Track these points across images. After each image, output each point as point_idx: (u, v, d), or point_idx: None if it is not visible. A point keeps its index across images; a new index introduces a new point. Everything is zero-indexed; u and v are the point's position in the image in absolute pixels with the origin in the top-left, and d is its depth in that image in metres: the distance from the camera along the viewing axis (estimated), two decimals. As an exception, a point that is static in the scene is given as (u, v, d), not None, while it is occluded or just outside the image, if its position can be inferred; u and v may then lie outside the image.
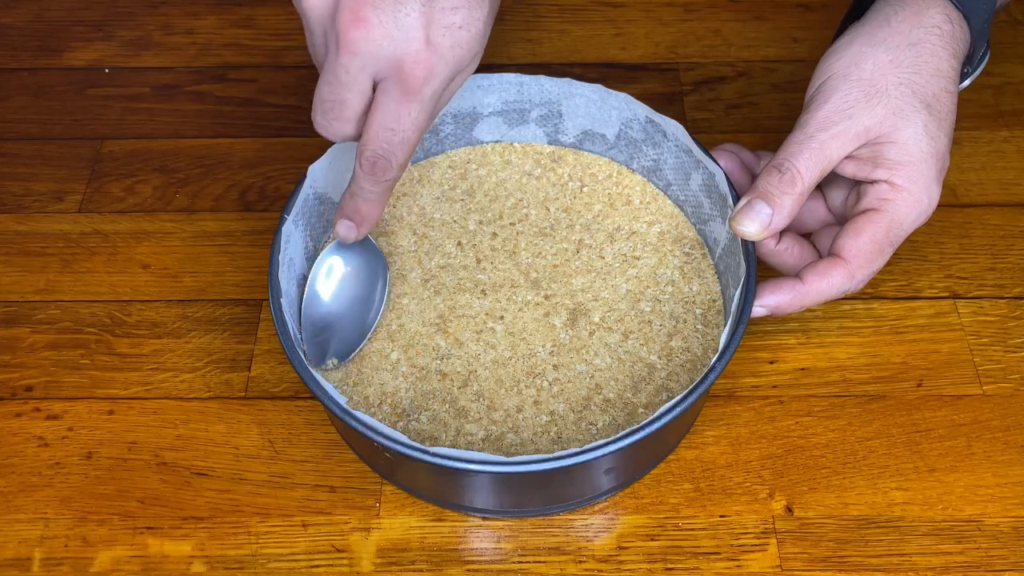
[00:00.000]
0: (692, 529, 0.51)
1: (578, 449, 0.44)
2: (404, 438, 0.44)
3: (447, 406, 0.51)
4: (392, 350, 0.52)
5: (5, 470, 0.53)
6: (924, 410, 0.54)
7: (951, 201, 0.63)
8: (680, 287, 0.54)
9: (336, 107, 0.45)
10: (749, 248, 0.50)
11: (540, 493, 0.49)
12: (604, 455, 0.44)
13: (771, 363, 0.56)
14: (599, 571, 0.50)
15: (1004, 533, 0.50)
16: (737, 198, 0.51)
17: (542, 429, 0.50)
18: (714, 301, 0.54)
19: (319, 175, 0.54)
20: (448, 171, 0.59)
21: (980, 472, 0.52)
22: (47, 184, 0.65)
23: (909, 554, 0.50)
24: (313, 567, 0.50)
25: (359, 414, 0.45)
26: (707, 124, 0.67)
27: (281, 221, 0.51)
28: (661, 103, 0.68)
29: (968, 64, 0.53)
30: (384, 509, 0.51)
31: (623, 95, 0.56)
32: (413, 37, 0.43)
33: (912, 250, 0.60)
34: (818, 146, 0.49)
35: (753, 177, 0.55)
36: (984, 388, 0.55)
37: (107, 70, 0.72)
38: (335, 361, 0.51)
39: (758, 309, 0.50)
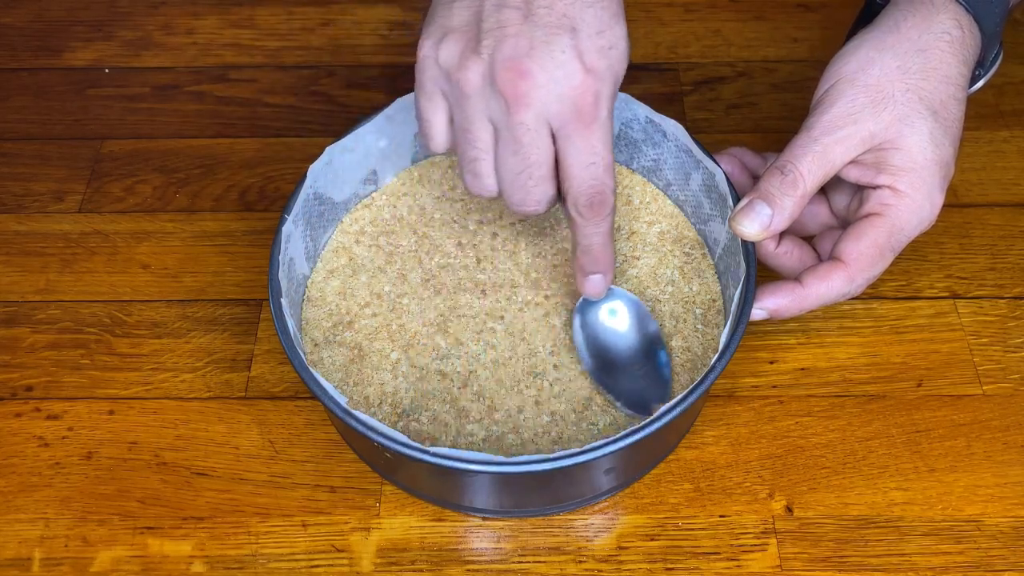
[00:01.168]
0: (692, 529, 0.51)
1: (578, 449, 0.44)
2: (404, 438, 0.44)
3: (447, 406, 0.51)
4: (392, 350, 0.52)
5: (5, 470, 0.53)
6: (924, 410, 0.54)
7: (951, 201, 0.63)
8: (680, 287, 0.54)
9: (529, 172, 0.44)
10: (749, 248, 0.50)
11: (540, 493, 0.49)
12: (604, 455, 0.44)
13: (771, 363, 0.56)
14: (599, 571, 0.50)
15: (1004, 533, 0.50)
16: (737, 199, 0.51)
17: (543, 429, 0.50)
18: (714, 301, 0.54)
19: (319, 175, 0.54)
20: (448, 171, 0.59)
21: (980, 472, 0.52)
22: (47, 184, 0.65)
23: (909, 554, 0.50)
24: (313, 567, 0.50)
25: (359, 414, 0.45)
26: (707, 124, 0.67)
27: (281, 221, 0.51)
28: (661, 103, 0.68)
29: (980, 67, 0.53)
30: (384, 509, 0.51)
31: (623, 95, 0.56)
32: (573, 70, 0.43)
33: (912, 250, 0.60)
34: (821, 149, 0.49)
35: (756, 179, 0.55)
36: (984, 388, 0.55)
37: (107, 70, 0.72)
38: (657, 406, 0.48)
39: (757, 312, 0.50)
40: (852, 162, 0.50)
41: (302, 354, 0.48)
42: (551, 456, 0.44)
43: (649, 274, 0.55)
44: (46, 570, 0.50)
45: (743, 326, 0.48)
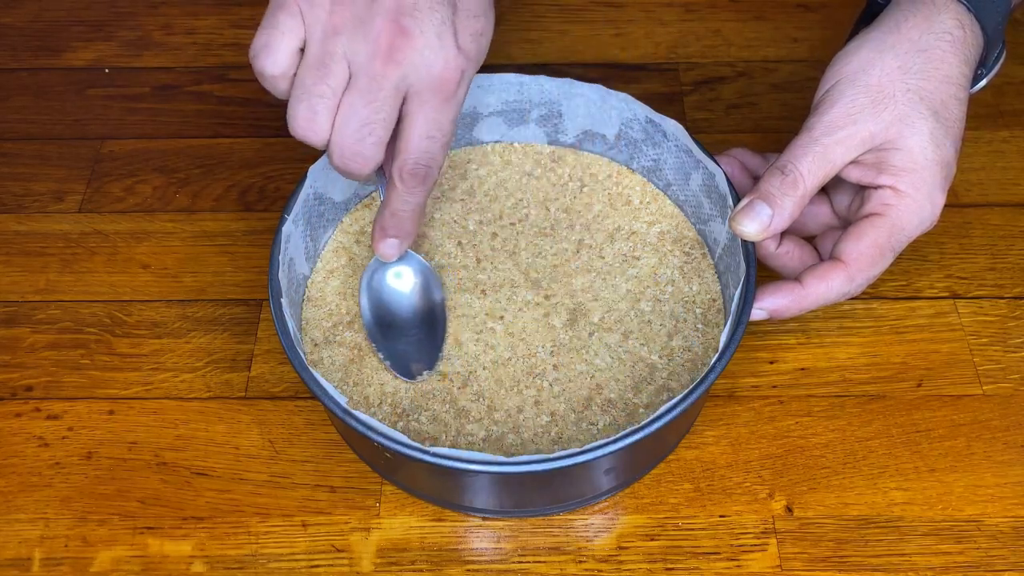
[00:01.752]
0: (692, 529, 0.51)
1: (578, 449, 0.44)
2: (404, 438, 0.44)
3: (447, 406, 0.51)
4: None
5: (5, 470, 0.53)
6: (924, 410, 0.54)
7: (951, 201, 0.62)
8: (680, 287, 0.54)
9: (372, 127, 0.44)
10: (749, 248, 0.50)
11: (540, 493, 0.50)
12: (604, 455, 0.44)
13: (771, 363, 0.56)
14: (599, 571, 0.50)
15: (1004, 533, 0.50)
16: (738, 199, 0.51)
17: (543, 429, 0.50)
18: (714, 301, 0.54)
19: (319, 175, 0.54)
20: (448, 171, 0.59)
21: (980, 472, 0.52)
22: (47, 184, 0.65)
23: (909, 554, 0.50)
24: (313, 567, 0.50)
25: (359, 414, 0.45)
26: (707, 124, 0.67)
27: (281, 221, 0.51)
28: (661, 103, 0.68)
29: (982, 66, 0.53)
30: (384, 509, 0.51)
31: (623, 95, 0.56)
32: (448, 46, 0.43)
33: (912, 250, 0.60)
34: (822, 150, 0.49)
35: (756, 180, 0.54)
36: (984, 388, 0.55)
37: (107, 70, 0.72)
38: (426, 372, 0.51)
39: (757, 312, 0.50)
40: (853, 162, 0.50)
41: (302, 354, 0.48)
42: (551, 456, 0.44)
43: (649, 274, 0.55)
44: (46, 570, 0.50)
45: (743, 326, 0.48)
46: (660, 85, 0.70)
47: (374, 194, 0.58)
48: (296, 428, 0.54)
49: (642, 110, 0.56)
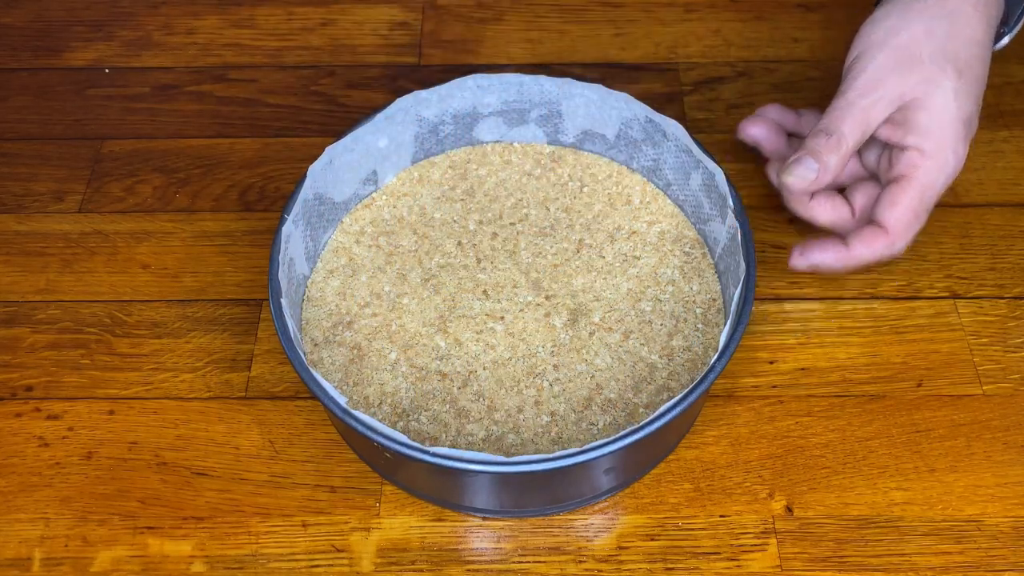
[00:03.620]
0: (692, 529, 0.51)
1: (578, 449, 0.44)
2: (404, 438, 0.44)
3: (447, 406, 0.51)
4: (392, 350, 0.52)
5: (5, 470, 0.53)
6: (924, 410, 0.54)
7: (951, 201, 0.63)
8: (680, 287, 0.54)
9: None
10: (749, 248, 0.50)
11: (540, 493, 0.50)
12: (604, 455, 0.44)
13: (771, 363, 0.56)
14: (599, 571, 0.50)
15: (1004, 533, 0.50)
16: (738, 198, 0.52)
17: (543, 429, 0.50)
18: (714, 300, 0.54)
19: (319, 175, 0.54)
20: (448, 171, 0.59)
21: (980, 472, 0.52)
22: (47, 184, 0.65)
23: (909, 554, 0.50)
24: (313, 567, 0.50)
25: (359, 414, 0.45)
26: (707, 124, 0.67)
27: (281, 221, 0.51)
28: (661, 103, 0.68)
29: (1004, 25, 0.57)
30: (384, 509, 0.51)
31: (623, 95, 0.56)
32: None
33: (912, 250, 0.60)
34: (861, 113, 0.53)
35: (791, 136, 0.60)
36: (984, 388, 0.55)
37: (107, 70, 0.72)
38: None
39: (800, 261, 0.55)
40: (884, 120, 0.54)
41: (302, 354, 0.48)
42: (551, 456, 0.44)
43: (649, 273, 0.55)
44: (46, 570, 0.50)
45: (743, 326, 0.48)
46: (660, 85, 0.70)
47: (374, 194, 0.58)
48: (296, 428, 0.54)
49: (642, 110, 0.56)
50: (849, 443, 0.53)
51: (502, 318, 0.53)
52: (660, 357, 0.52)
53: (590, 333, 0.53)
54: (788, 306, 0.58)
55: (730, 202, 0.52)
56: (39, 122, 0.69)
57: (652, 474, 0.52)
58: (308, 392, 0.52)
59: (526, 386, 0.51)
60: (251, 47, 0.73)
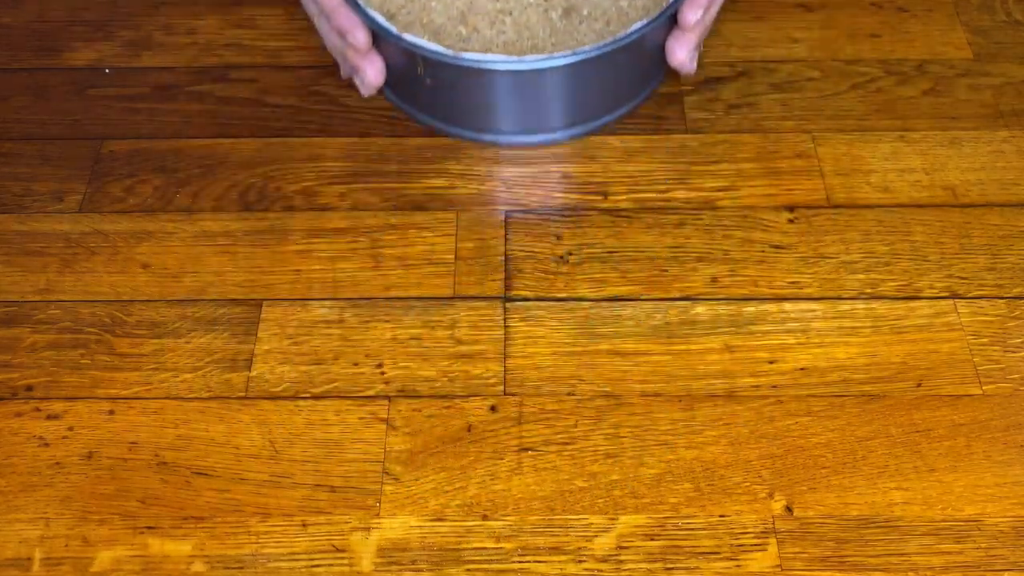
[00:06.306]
0: (692, 529, 0.51)
1: (578, 48, 0.60)
2: (442, 48, 0.60)
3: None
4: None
5: (5, 470, 0.53)
6: (924, 410, 0.54)
7: (951, 201, 0.63)
8: None
9: None
10: None
11: (564, 103, 0.64)
12: (604, 51, 0.60)
13: (771, 363, 0.56)
14: (599, 571, 0.50)
15: (1004, 533, 0.50)
16: None
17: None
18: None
19: None
20: None
21: (980, 472, 0.52)
22: (47, 184, 0.65)
23: (909, 554, 0.50)
24: (313, 567, 0.50)
25: (408, 36, 0.60)
26: (707, 124, 0.67)
27: None
28: (661, 103, 0.68)
29: None
30: (384, 509, 0.52)
31: None
32: None
33: (912, 250, 0.60)
34: None
35: None
36: (984, 388, 0.55)
37: (107, 70, 0.72)
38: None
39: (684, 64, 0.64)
40: None
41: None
42: (569, 53, 0.60)
43: None
44: (46, 570, 0.50)
45: None
46: (660, 85, 0.70)
47: None
48: (296, 428, 0.54)
49: None
50: (849, 443, 0.53)
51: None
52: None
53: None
54: (788, 306, 0.58)
55: None
56: (39, 122, 0.69)
57: (652, 474, 0.52)
58: (308, 392, 0.52)
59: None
60: (251, 47, 0.73)
